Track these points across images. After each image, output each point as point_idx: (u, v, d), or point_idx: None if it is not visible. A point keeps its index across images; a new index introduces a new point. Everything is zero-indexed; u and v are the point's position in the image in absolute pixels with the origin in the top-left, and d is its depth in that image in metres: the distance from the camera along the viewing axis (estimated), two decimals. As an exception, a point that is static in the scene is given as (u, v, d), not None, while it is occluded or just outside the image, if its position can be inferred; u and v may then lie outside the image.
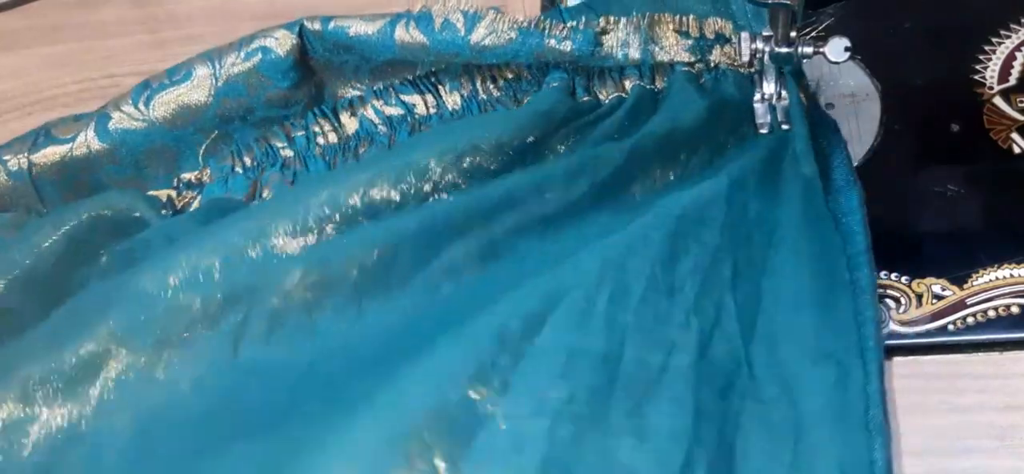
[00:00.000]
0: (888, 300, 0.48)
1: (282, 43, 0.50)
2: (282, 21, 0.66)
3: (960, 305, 0.48)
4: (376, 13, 0.50)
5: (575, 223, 0.46)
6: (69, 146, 0.51)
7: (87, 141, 0.51)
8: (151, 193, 0.52)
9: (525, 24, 0.50)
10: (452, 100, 0.53)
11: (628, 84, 0.51)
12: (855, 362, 0.42)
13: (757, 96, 0.51)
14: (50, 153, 0.51)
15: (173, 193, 0.52)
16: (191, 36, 0.67)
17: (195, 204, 0.52)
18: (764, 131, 0.50)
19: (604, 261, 0.42)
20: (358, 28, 0.50)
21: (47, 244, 0.48)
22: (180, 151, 0.52)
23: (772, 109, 0.50)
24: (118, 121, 0.51)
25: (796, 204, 0.47)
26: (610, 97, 0.51)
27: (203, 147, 0.52)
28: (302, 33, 0.50)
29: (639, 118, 0.49)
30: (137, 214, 0.50)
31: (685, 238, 0.44)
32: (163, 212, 0.51)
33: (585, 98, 0.51)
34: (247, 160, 0.53)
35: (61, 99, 0.66)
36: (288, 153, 0.52)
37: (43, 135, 0.52)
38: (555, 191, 0.46)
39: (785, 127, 0.50)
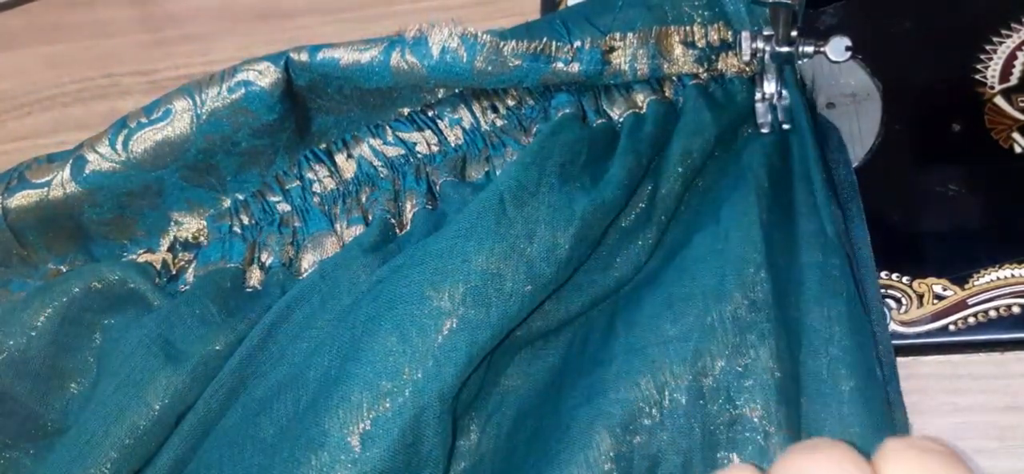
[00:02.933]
0: (889, 300, 0.48)
1: (266, 76, 0.47)
2: (282, 21, 0.66)
3: (961, 305, 0.48)
4: (367, 40, 0.48)
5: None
6: (44, 190, 0.48)
7: (63, 184, 0.48)
8: (144, 259, 0.50)
9: (528, 49, 0.48)
10: (454, 135, 0.51)
11: (639, 98, 0.50)
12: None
13: (758, 95, 0.51)
14: (25, 197, 0.48)
15: (168, 257, 0.50)
16: (191, 36, 0.67)
17: (190, 270, 0.50)
18: (765, 131, 0.50)
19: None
20: (349, 58, 0.47)
21: (40, 322, 0.47)
22: (163, 188, 0.49)
23: (773, 109, 0.50)
24: (95, 164, 0.48)
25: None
26: (624, 114, 0.50)
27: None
28: (288, 65, 0.47)
29: (667, 133, 0.49)
30: (132, 286, 0.48)
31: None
32: (157, 281, 0.49)
33: (598, 120, 0.50)
34: (244, 219, 0.50)
35: (60, 99, 0.66)
36: (284, 207, 0.50)
37: (16, 178, 0.49)
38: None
39: (786, 127, 0.50)
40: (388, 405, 0.39)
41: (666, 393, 0.42)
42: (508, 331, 0.43)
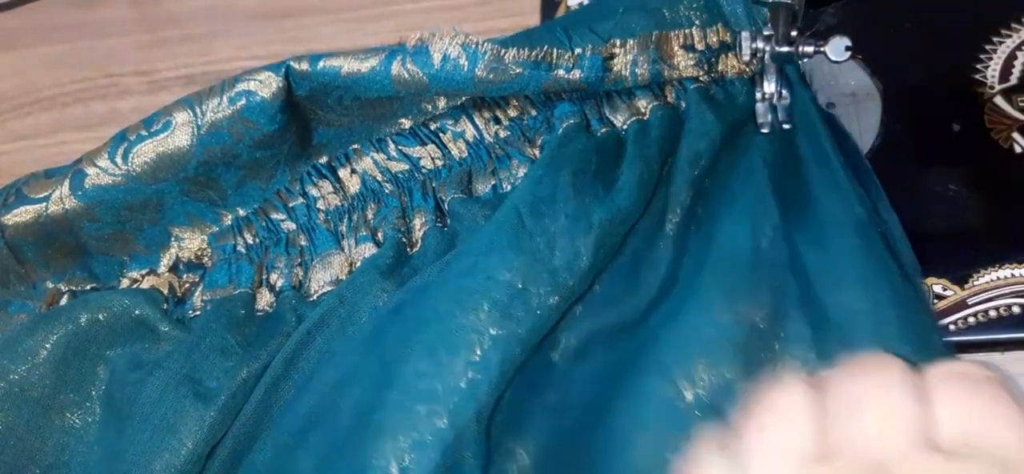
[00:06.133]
0: (889, 301, 0.48)
1: (267, 86, 0.46)
2: (282, 21, 0.66)
3: (961, 305, 0.48)
4: (368, 49, 0.48)
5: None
6: (43, 205, 0.47)
7: (62, 199, 0.47)
8: (149, 283, 0.50)
9: (529, 56, 0.47)
10: (457, 148, 0.50)
11: (642, 104, 0.50)
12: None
13: (758, 95, 0.51)
14: (22, 213, 0.48)
15: (173, 279, 0.50)
16: (191, 36, 0.67)
17: (197, 294, 0.49)
18: (765, 131, 0.50)
19: None
20: (350, 67, 0.47)
21: (43, 351, 0.46)
22: (163, 202, 0.49)
23: (773, 109, 0.51)
24: (94, 177, 0.47)
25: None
26: (628, 121, 0.50)
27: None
28: (288, 74, 0.47)
29: (673, 137, 0.49)
30: (138, 314, 0.47)
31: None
32: (165, 307, 0.48)
33: (602, 129, 0.49)
34: (248, 238, 0.50)
35: (60, 99, 0.66)
36: (289, 225, 0.50)
37: (14, 194, 0.48)
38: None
39: (786, 126, 0.50)
40: (425, 430, 0.39)
41: (720, 399, 0.41)
42: (537, 343, 0.43)
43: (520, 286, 0.42)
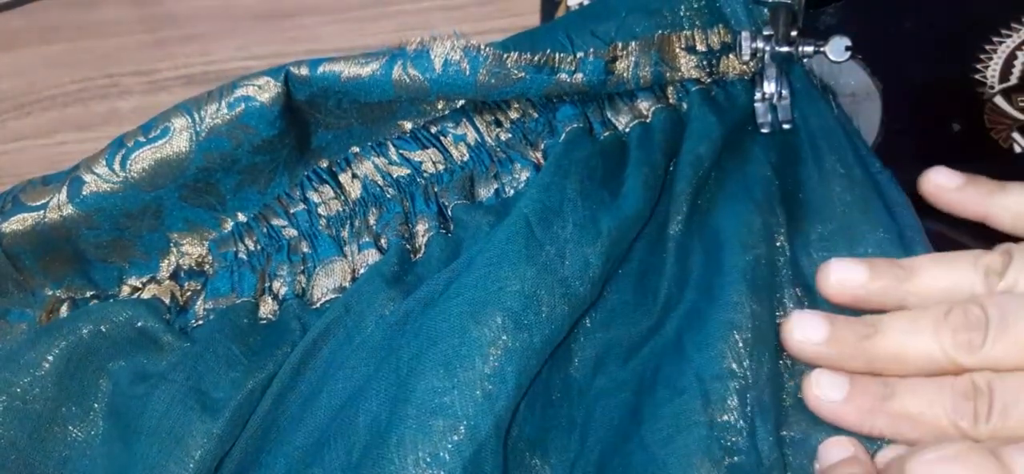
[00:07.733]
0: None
1: (266, 90, 0.46)
2: (282, 21, 0.66)
3: (961, 305, 0.48)
4: (368, 53, 0.47)
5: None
6: (41, 213, 0.47)
7: (60, 206, 0.47)
8: (151, 292, 0.49)
9: (531, 60, 0.47)
10: (459, 152, 0.50)
11: (644, 106, 0.50)
12: None
13: (758, 95, 0.51)
14: (20, 220, 0.47)
15: (175, 288, 0.49)
16: (191, 36, 0.67)
17: (199, 302, 0.49)
18: (765, 131, 0.50)
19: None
20: (350, 71, 0.47)
21: (45, 363, 0.46)
22: (162, 208, 0.48)
23: (773, 109, 0.51)
24: (92, 184, 0.47)
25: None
26: (630, 124, 0.50)
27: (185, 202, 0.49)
28: (288, 79, 0.47)
29: (676, 139, 0.49)
30: (140, 325, 0.47)
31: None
32: (167, 317, 0.48)
33: (605, 132, 0.50)
34: (249, 244, 0.50)
35: (60, 99, 0.66)
36: (291, 232, 0.50)
37: (11, 201, 0.48)
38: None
39: (786, 126, 0.50)
40: (444, 445, 0.39)
41: (750, 410, 0.41)
42: (551, 353, 0.43)
43: (532, 295, 0.42)
